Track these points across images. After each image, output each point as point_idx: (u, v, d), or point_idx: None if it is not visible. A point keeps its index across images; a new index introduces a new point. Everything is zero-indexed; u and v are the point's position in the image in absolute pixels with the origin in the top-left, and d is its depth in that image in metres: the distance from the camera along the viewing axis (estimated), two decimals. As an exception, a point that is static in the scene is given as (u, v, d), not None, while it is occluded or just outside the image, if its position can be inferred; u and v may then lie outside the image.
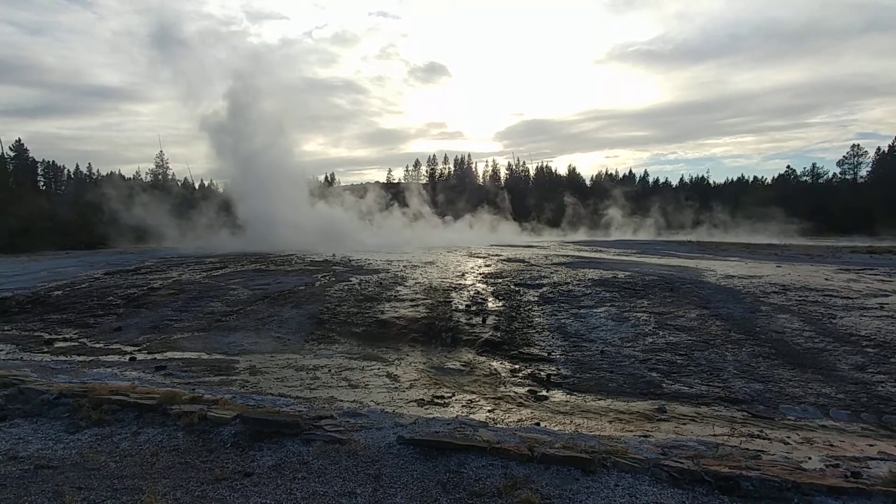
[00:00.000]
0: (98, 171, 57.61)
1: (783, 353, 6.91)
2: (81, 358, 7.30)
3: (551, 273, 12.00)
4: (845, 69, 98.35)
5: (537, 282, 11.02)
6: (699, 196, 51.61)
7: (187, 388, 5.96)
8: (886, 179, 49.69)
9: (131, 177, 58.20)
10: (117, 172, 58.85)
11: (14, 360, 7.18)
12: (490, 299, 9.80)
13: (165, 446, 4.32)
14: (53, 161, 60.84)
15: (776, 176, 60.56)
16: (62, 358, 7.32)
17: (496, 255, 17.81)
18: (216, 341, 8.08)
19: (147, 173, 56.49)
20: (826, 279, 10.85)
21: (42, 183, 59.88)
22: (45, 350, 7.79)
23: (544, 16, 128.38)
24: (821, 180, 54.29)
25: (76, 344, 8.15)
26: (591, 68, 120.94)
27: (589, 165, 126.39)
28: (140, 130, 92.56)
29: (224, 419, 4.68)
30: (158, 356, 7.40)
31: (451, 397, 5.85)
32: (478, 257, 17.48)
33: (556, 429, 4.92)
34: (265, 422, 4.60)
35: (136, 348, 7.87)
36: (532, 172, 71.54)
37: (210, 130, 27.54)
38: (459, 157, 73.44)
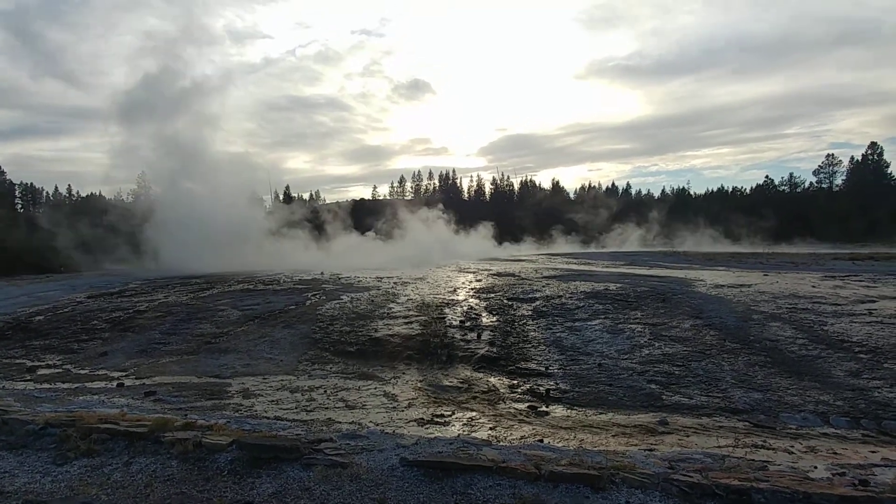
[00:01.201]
0: (78, 192, 56.64)
1: (779, 362, 6.95)
2: (66, 385, 7.05)
3: (543, 287, 12.00)
4: (818, 81, 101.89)
5: (530, 296, 11.01)
6: (681, 207, 52.42)
7: (179, 413, 5.78)
8: (860, 188, 51.08)
9: (112, 197, 57.41)
10: (98, 193, 57.95)
11: (-5, 389, 6.92)
12: (484, 314, 9.75)
13: (159, 476, 4.16)
14: (31, 183, 59.77)
15: (755, 186, 61.97)
16: (46, 386, 7.06)
17: (486, 270, 17.82)
18: (207, 364, 7.89)
19: (129, 193, 55.65)
20: (813, 286, 11.01)
21: (20, 205, 58.70)
22: (28, 378, 7.52)
23: (525, 33, 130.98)
24: (798, 189, 55.55)
25: (60, 371, 7.89)
26: (572, 83, 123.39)
27: (572, 179, 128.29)
28: (118, 150, 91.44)
29: (220, 445, 4.54)
30: (147, 381, 7.18)
31: (450, 415, 5.75)
32: (467, 272, 17.46)
33: (560, 445, 4.86)
34: (263, 447, 4.47)
35: (124, 374, 7.63)
36: (517, 187, 72.13)
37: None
38: (444, 172, 73.83)
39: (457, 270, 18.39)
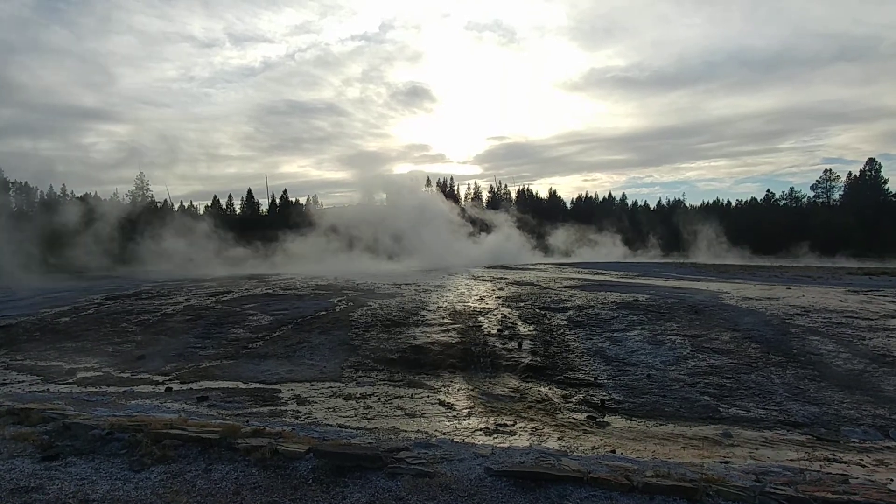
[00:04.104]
0: (73, 192, 56.11)
1: (826, 376, 6.99)
2: (113, 389, 6.99)
3: (570, 297, 12.03)
4: (815, 97, 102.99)
5: (560, 305, 11.03)
6: (679, 218, 52.64)
7: (239, 419, 5.75)
8: (859, 203, 51.66)
9: (108, 198, 57.13)
10: (93, 194, 57.62)
11: (41, 392, 6.84)
12: (520, 324, 9.75)
13: (245, 484, 4.12)
14: (26, 182, 59.08)
15: (750, 199, 62.57)
16: (92, 389, 6.99)
17: (501, 278, 17.83)
18: (249, 370, 7.84)
19: (126, 194, 55.34)
20: (841, 301, 11.10)
21: (13, 205, 57.99)
22: (70, 381, 7.45)
23: (524, 42, 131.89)
24: (799, 204, 56.09)
25: (101, 374, 7.81)
26: (570, 93, 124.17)
27: (568, 188, 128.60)
28: (115, 151, 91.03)
29: (297, 453, 4.50)
30: (194, 386, 7.13)
31: (513, 425, 5.75)
32: (483, 280, 17.47)
33: (634, 456, 4.85)
34: (345, 455, 4.44)
35: (166, 378, 7.57)
36: (514, 195, 72.23)
37: None
38: (442, 179, 73.81)
39: (472, 278, 18.39)
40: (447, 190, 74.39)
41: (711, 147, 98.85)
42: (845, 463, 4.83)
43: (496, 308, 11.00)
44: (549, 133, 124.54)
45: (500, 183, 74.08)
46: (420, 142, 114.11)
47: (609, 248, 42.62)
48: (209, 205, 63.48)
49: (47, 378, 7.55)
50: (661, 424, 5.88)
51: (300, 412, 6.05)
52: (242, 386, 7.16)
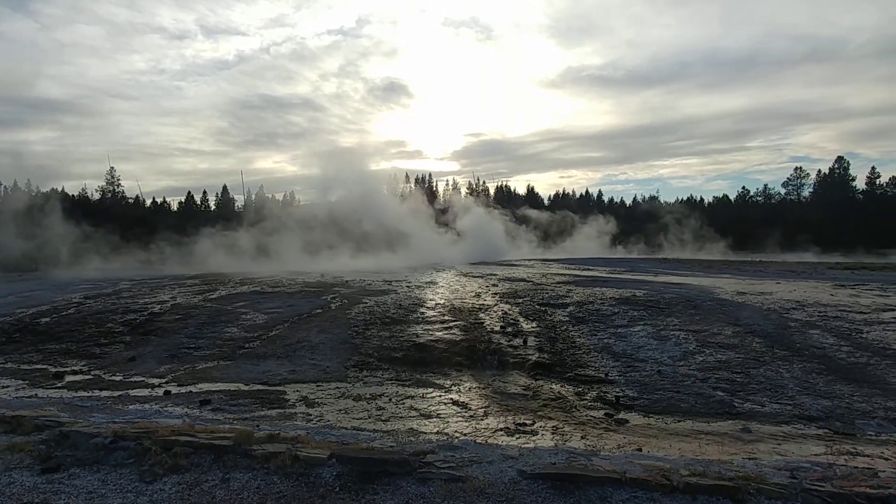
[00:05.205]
0: (38, 187, 53.98)
1: (833, 369, 7.07)
2: (106, 393, 6.62)
3: (567, 293, 11.99)
4: (783, 97, 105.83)
5: (559, 301, 10.98)
6: (653, 215, 53.42)
7: (249, 424, 5.49)
8: (827, 199, 53.37)
9: (76, 194, 55.10)
10: (60, 189, 55.56)
11: (29, 397, 6.43)
12: (522, 320, 9.65)
13: (268, 494, 3.90)
14: (-11, 176, 56.43)
15: (723, 195, 64.13)
16: (83, 394, 6.61)
17: (490, 275, 17.73)
18: (248, 370, 7.54)
19: (96, 190, 53.48)
20: (832, 295, 11.33)
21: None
22: (58, 385, 7.04)
23: (502, 38, 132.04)
24: (773, 200, 57.59)
25: (90, 377, 7.41)
26: (547, 91, 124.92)
27: (545, 185, 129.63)
28: (84, 145, 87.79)
29: (319, 459, 4.30)
30: (193, 389, 6.81)
31: (532, 424, 5.62)
32: (473, 277, 17.34)
33: (661, 454, 4.78)
34: (370, 461, 4.25)
35: (162, 380, 7.22)
36: (492, 192, 72.28)
37: None
38: (420, 176, 73.45)
39: (461, 275, 18.25)
40: (426, 186, 74.08)
41: (684, 145, 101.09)
42: (868, 456, 4.84)
43: (495, 305, 10.88)
44: (526, 130, 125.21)
45: (478, 179, 74.08)
46: (397, 138, 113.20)
47: (589, 243, 43.02)
48: (182, 201, 61.89)
49: (33, 382, 7.12)
50: (678, 421, 5.84)
51: (311, 415, 5.82)
52: (244, 388, 6.87)
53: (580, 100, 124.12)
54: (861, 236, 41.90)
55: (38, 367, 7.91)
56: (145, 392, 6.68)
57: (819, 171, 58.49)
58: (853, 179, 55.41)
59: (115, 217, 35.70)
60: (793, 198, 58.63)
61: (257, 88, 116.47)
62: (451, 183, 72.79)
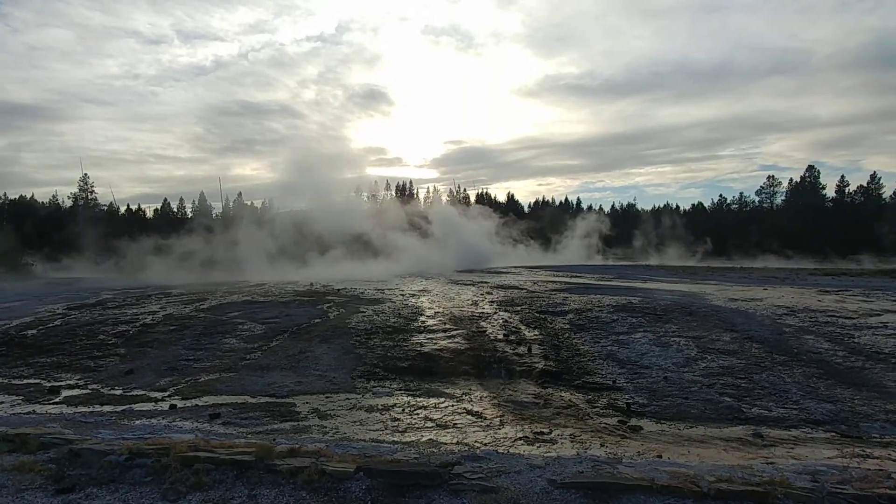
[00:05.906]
0: (5, 194, 52.38)
1: (831, 373, 7.28)
2: (109, 408, 6.41)
3: (563, 300, 12.09)
4: (752, 107, 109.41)
5: (557, 309, 11.06)
6: (630, 221, 54.37)
7: (264, 437, 5.41)
8: (798, 206, 55.09)
9: (46, 201, 53.57)
10: (29, 196, 53.95)
11: (27, 413, 6.19)
12: (524, 328, 9.69)
13: (300, 509, 3.83)
14: (-45, 184, 54.64)
15: (698, 203, 65.76)
16: (84, 409, 6.39)
17: (481, 282, 17.78)
18: (254, 382, 7.39)
19: (69, 197, 52.05)
20: (819, 301, 11.67)
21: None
22: (56, 400, 6.79)
23: (481, 47, 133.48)
24: (747, 208, 59.14)
25: (88, 392, 7.16)
26: (525, 99, 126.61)
27: (524, 192, 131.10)
28: (54, 151, 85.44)
29: (346, 473, 4.25)
30: (199, 402, 6.64)
31: (550, 433, 5.65)
32: (464, 285, 17.35)
33: (682, 460, 4.85)
34: (400, 473, 4.22)
35: (164, 394, 7.03)
36: (473, 199, 72.55)
37: None
38: (401, 183, 73.33)
39: (452, 283, 18.26)
40: (406, 193, 73.92)
41: (658, 153, 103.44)
42: (878, 458, 4.99)
43: (494, 313, 10.91)
44: (505, 138, 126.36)
45: (458, 186, 74.24)
46: (377, 145, 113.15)
47: (572, 251, 43.48)
48: (158, 208, 60.60)
49: (28, 398, 6.85)
50: (691, 427, 5.93)
51: (325, 427, 5.73)
52: (252, 400, 6.73)
53: (558, 108, 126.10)
54: (832, 243, 43.30)
55: (31, 381, 7.62)
56: (149, 406, 6.49)
57: (791, 179, 60.38)
58: (823, 188, 57.30)
59: (86, 223, 34.86)
60: (766, 205, 60.36)
61: (235, 95, 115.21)
62: (431, 190, 72.76)
